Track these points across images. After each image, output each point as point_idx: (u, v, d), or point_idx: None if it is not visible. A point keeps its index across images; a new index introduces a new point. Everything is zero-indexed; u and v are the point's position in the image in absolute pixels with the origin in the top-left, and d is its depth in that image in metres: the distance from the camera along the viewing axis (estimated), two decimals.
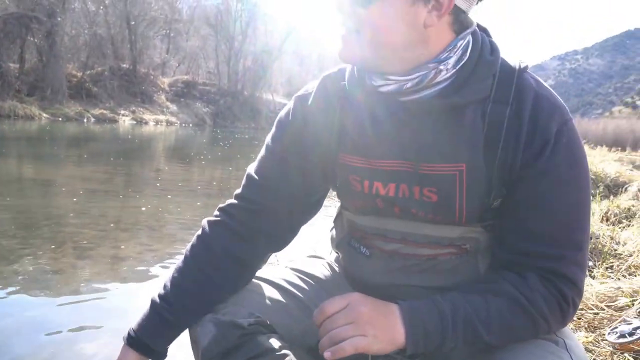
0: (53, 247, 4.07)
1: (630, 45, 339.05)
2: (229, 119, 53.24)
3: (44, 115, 30.17)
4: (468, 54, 1.06)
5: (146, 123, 38.29)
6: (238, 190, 1.30)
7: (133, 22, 46.24)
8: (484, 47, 1.09)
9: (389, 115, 1.11)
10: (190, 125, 44.12)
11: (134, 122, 37.29)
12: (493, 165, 1.05)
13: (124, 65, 45.48)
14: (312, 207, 1.32)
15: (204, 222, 1.30)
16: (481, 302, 1.02)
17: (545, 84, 1.10)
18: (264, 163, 1.27)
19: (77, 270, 3.61)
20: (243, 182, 1.29)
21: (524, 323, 1.02)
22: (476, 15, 1.10)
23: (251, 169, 1.29)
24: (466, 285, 1.09)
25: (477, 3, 1.05)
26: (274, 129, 1.29)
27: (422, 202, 1.12)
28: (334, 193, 1.33)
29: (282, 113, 1.29)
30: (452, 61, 1.05)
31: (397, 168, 1.12)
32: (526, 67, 1.09)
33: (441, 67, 1.04)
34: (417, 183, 1.11)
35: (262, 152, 1.29)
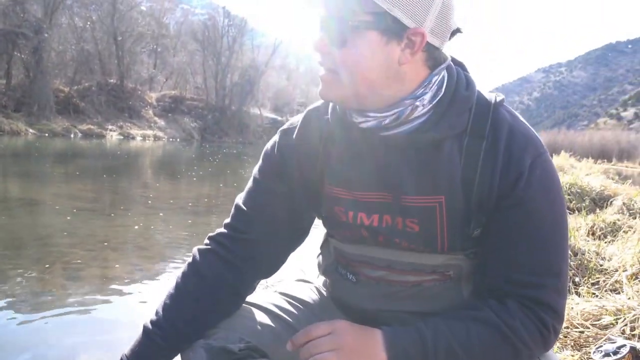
0: (42, 267, 4.06)
1: (612, 58, 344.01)
2: (216, 133, 53.23)
3: (31, 130, 30.00)
4: (443, 89, 1.10)
5: (133, 138, 38.19)
6: (227, 220, 1.33)
7: (120, 38, 46.24)
8: (459, 82, 1.12)
9: (370, 150, 1.14)
10: (178, 140, 44.08)
11: (122, 137, 37.18)
12: (471, 197, 1.09)
13: (112, 81, 45.44)
14: (299, 235, 1.35)
15: (195, 250, 1.33)
16: (463, 329, 1.04)
17: (521, 117, 1.14)
18: (252, 194, 1.30)
19: (66, 290, 3.61)
20: (232, 212, 1.33)
21: (505, 350, 1.05)
22: (460, 39, 1.11)
23: (239, 199, 1.32)
24: (449, 311, 1.13)
25: (449, 39, 1.09)
26: (260, 161, 1.32)
27: (405, 232, 1.15)
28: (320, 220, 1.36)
29: (268, 146, 1.32)
30: (427, 97, 1.08)
31: (380, 200, 1.15)
32: (502, 101, 1.13)
33: (417, 103, 1.07)
34: (400, 214, 1.14)
35: (250, 183, 1.32)
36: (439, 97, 1.09)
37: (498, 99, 1.12)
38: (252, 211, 1.28)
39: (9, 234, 5.20)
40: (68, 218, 6.28)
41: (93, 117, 38.75)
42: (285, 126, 1.32)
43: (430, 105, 1.08)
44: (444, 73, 1.11)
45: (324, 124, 1.22)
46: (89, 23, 45.03)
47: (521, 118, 1.14)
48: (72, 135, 32.77)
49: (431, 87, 1.08)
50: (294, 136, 1.26)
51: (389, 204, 1.15)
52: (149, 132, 42.13)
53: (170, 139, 42.99)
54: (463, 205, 1.10)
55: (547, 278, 1.07)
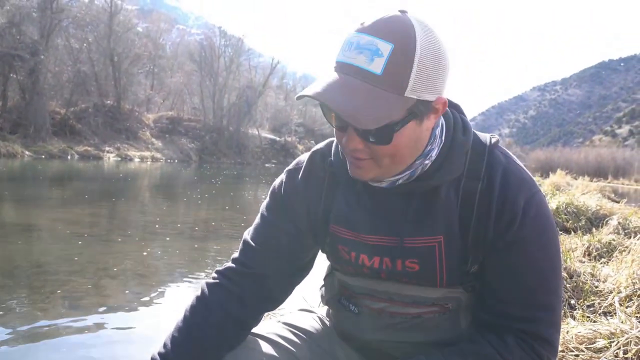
0: (41, 296, 4.07)
1: (606, 76, 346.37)
2: (214, 154, 53.32)
3: (27, 152, 30.03)
4: (443, 137, 1.17)
5: (131, 160, 38.23)
6: (235, 255, 1.38)
7: (117, 59, 46.55)
8: (456, 127, 1.19)
9: (374, 197, 1.22)
10: (176, 161, 44.15)
11: (119, 158, 37.21)
12: (468, 235, 1.16)
13: (108, 102, 45.60)
14: (303, 269, 1.41)
15: (203, 284, 1.37)
16: None
17: (514, 158, 1.21)
18: (259, 230, 1.36)
19: (65, 320, 3.61)
20: (240, 247, 1.38)
21: None
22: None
23: (247, 234, 1.37)
24: (449, 343, 1.18)
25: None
26: (267, 198, 1.39)
27: (405, 272, 1.21)
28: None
29: (275, 184, 1.38)
30: (434, 152, 1.15)
31: (383, 243, 1.21)
32: (497, 142, 1.20)
33: (426, 161, 1.14)
34: (400, 256, 1.20)
35: (257, 219, 1.38)
36: (439, 147, 1.16)
37: (493, 141, 1.19)
38: (259, 247, 1.33)
39: (5, 261, 5.16)
40: (66, 244, 6.27)
41: (90, 139, 38.82)
42: (291, 166, 1.38)
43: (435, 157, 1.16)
44: (441, 119, 1.18)
45: (329, 165, 1.29)
46: (85, 44, 45.34)
47: (515, 159, 1.20)
48: (68, 157, 32.79)
49: (436, 141, 1.15)
50: (300, 177, 1.33)
51: (390, 247, 1.21)
52: (147, 153, 42.21)
53: (168, 160, 43.04)
54: (460, 244, 1.16)
55: (541, 312, 1.13)
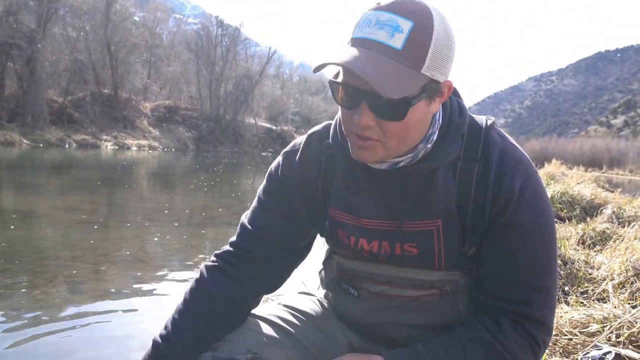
0: (43, 281, 4.11)
1: (602, 67, 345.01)
2: (211, 143, 53.11)
3: (25, 141, 29.93)
4: (440, 120, 1.18)
5: (128, 148, 38.11)
6: (233, 238, 1.40)
7: (114, 48, 46.23)
8: (452, 110, 1.20)
9: (373, 181, 1.23)
10: (173, 150, 43.97)
11: (116, 147, 37.09)
12: (466, 218, 1.18)
13: (106, 91, 45.35)
14: (301, 252, 1.40)
15: (202, 267, 1.40)
16: (460, 351, 1.15)
17: (511, 139, 1.22)
18: (256, 213, 1.38)
19: (68, 304, 3.66)
20: (237, 230, 1.39)
21: None
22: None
23: (244, 218, 1.39)
24: (447, 333, 1.21)
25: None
26: (264, 182, 1.40)
27: (404, 256, 1.23)
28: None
29: (272, 167, 1.39)
30: (435, 136, 1.16)
31: (382, 227, 1.23)
32: (493, 123, 1.22)
33: (428, 145, 1.16)
34: (399, 240, 1.22)
35: (254, 203, 1.39)
36: (438, 130, 1.17)
37: (489, 122, 1.21)
38: (256, 230, 1.35)
39: (6, 247, 5.19)
40: (66, 231, 6.31)
41: (87, 127, 38.67)
42: (288, 148, 1.39)
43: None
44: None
45: (325, 148, 1.30)
46: (82, 33, 45.02)
47: (511, 140, 1.22)
48: (66, 146, 32.67)
49: (436, 124, 1.17)
50: (297, 159, 1.34)
51: (389, 231, 1.23)
52: (144, 142, 42.07)
53: (165, 149, 42.87)
54: (459, 227, 1.18)
55: (536, 294, 1.15)
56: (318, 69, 1.06)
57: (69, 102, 40.11)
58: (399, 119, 1.05)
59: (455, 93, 1.24)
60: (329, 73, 1.17)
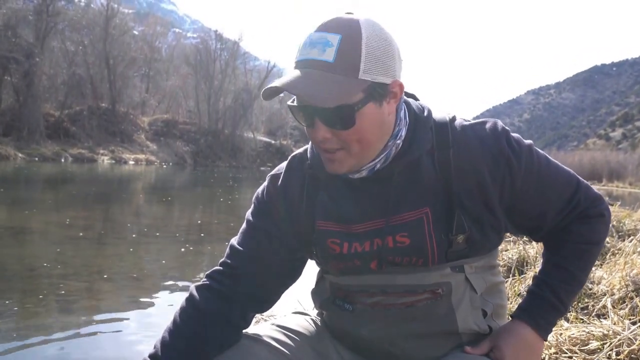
0: (34, 299, 4.05)
1: (599, 80, 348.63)
2: (209, 157, 53.28)
3: (20, 155, 29.98)
4: (407, 118, 1.25)
5: (125, 162, 38.17)
6: (222, 259, 1.41)
7: (112, 62, 46.52)
8: (417, 109, 1.28)
9: (356, 188, 1.27)
10: (170, 164, 44.08)
11: (113, 161, 37.15)
12: (453, 202, 1.23)
13: (103, 105, 45.60)
14: (291, 274, 1.42)
15: (192, 287, 1.40)
16: (565, 270, 1.34)
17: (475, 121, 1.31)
18: (245, 235, 1.40)
19: (59, 323, 3.60)
20: (227, 251, 1.41)
21: (596, 251, 1.37)
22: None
23: (234, 240, 1.41)
24: (445, 340, 1.29)
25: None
26: (252, 205, 1.43)
27: (396, 248, 1.24)
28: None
29: (259, 190, 1.43)
30: (403, 132, 1.23)
31: (372, 227, 1.26)
32: (454, 117, 1.29)
33: (398, 141, 1.21)
34: (389, 234, 1.24)
35: (244, 225, 1.42)
36: (406, 127, 1.24)
37: (451, 116, 1.29)
38: (245, 250, 1.36)
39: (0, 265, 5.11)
40: (60, 247, 6.24)
41: (84, 141, 38.78)
42: (273, 172, 1.43)
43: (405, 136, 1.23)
44: (403, 105, 1.25)
45: (307, 167, 1.34)
46: (80, 47, 45.38)
47: (475, 121, 1.30)
48: (62, 160, 32.71)
49: (402, 121, 1.23)
50: (280, 180, 1.38)
51: (379, 229, 1.25)
52: (141, 156, 42.16)
53: (163, 163, 42.97)
54: (446, 212, 1.23)
55: (577, 195, 1.32)
56: (266, 96, 1.15)
57: (66, 116, 40.25)
58: (349, 125, 1.12)
59: (415, 99, 1.34)
60: None
